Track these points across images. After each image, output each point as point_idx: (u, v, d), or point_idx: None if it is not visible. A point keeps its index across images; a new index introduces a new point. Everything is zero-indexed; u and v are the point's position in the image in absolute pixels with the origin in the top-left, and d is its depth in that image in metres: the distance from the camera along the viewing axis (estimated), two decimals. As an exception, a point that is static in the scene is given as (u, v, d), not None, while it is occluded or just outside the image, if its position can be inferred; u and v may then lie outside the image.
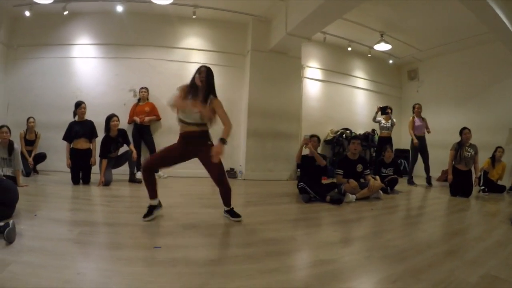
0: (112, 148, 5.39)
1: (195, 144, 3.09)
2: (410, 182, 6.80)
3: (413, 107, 6.99)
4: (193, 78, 3.05)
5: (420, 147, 6.75)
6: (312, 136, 4.97)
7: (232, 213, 3.25)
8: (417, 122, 6.85)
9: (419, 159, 6.87)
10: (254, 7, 6.55)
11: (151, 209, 3.14)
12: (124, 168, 5.61)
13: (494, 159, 6.26)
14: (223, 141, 2.88)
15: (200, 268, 1.98)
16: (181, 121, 3.10)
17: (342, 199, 4.34)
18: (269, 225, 3.08)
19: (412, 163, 6.92)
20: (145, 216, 3.07)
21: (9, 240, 2.17)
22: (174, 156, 3.20)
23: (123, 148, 5.63)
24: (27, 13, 6.34)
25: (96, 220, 3.12)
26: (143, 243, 2.42)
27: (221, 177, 3.14)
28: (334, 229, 3.12)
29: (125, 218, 3.18)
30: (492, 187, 6.02)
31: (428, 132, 6.79)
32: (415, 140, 6.71)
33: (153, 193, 3.17)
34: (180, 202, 4.17)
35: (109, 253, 2.21)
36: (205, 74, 3.02)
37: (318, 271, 2.03)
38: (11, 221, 2.26)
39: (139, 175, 5.99)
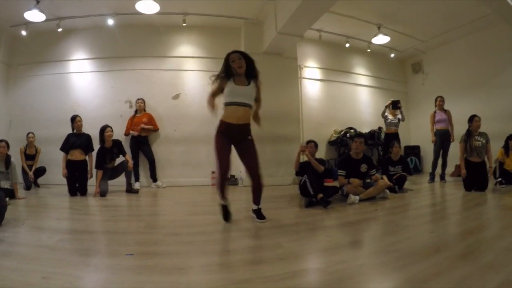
0: (108, 159, 5.41)
1: (240, 134, 3.16)
2: (431, 179, 6.47)
3: (435, 100, 6.65)
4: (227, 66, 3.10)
5: (442, 142, 6.42)
6: (308, 142, 4.77)
7: (258, 213, 3.25)
8: (439, 115, 6.51)
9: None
10: (244, 10, 6.46)
11: (226, 209, 3.16)
12: (123, 179, 5.55)
13: (507, 148, 5.88)
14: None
15: (164, 277, 1.85)
16: (231, 103, 3.07)
17: (329, 202, 4.01)
18: (257, 231, 2.88)
19: (433, 159, 6.55)
20: (226, 218, 3.12)
21: None
22: (228, 151, 3.17)
23: (120, 159, 5.62)
24: (24, 33, 6.61)
25: (79, 228, 3.10)
26: (117, 251, 2.36)
27: (258, 169, 3.18)
28: (328, 234, 2.85)
29: (109, 227, 3.21)
30: (509, 178, 5.62)
31: (452, 139, 6.42)
32: (433, 138, 6.45)
33: (224, 194, 3.17)
34: (170, 210, 4.11)
35: (79, 259, 2.17)
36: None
37: (296, 284, 1.77)
38: None
39: (137, 185, 5.98)
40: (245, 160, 3.22)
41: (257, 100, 3.28)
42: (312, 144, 4.75)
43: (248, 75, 3.17)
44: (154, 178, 6.41)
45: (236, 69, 3.08)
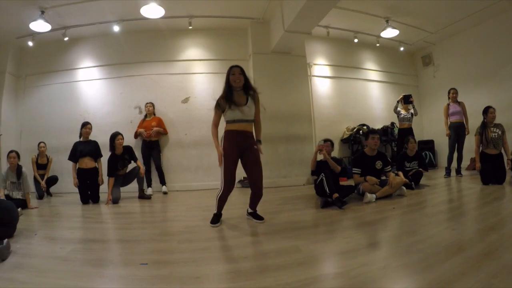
0: (119, 166, 5.39)
1: (245, 141, 3.24)
2: (447, 173, 6.32)
3: (449, 92, 6.49)
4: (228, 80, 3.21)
5: (457, 135, 6.26)
6: (325, 140, 4.68)
7: (255, 215, 3.39)
8: (453, 108, 6.35)
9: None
10: (250, 10, 6.40)
11: (219, 217, 3.33)
12: (135, 185, 5.53)
13: None
14: (260, 142, 3.32)
15: (180, 287, 1.82)
16: (233, 121, 3.19)
17: (345, 202, 3.93)
18: (273, 235, 2.80)
19: (449, 153, 6.37)
20: (214, 222, 3.25)
21: (1, 258, 2.29)
22: (234, 164, 3.23)
23: (132, 165, 5.60)
24: (30, 43, 6.65)
25: (92, 237, 3.09)
26: (131, 260, 2.32)
27: (261, 179, 3.24)
28: (347, 235, 2.77)
29: (122, 235, 3.19)
30: (526, 170, 5.48)
31: (467, 132, 6.26)
32: (447, 131, 6.31)
33: (221, 208, 3.35)
34: (183, 216, 4.04)
35: (92, 270, 2.14)
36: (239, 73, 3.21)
37: (317, 290, 1.71)
38: (5, 240, 2.39)
39: (149, 191, 5.95)
40: (248, 169, 3.26)
41: (256, 115, 3.35)
42: (328, 143, 4.66)
43: (245, 89, 3.28)
44: (162, 182, 6.33)
45: (233, 82, 3.20)
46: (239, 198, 4.92)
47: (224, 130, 3.25)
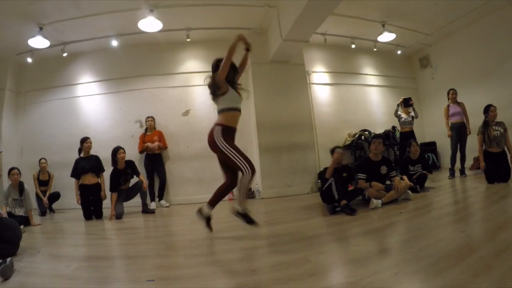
0: (122, 181, 5.35)
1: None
2: (451, 174, 6.25)
3: (448, 93, 6.48)
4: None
5: (458, 135, 6.22)
6: (336, 147, 4.54)
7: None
8: (453, 109, 6.34)
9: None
10: (247, 21, 6.43)
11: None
12: (138, 200, 5.48)
13: None
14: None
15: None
16: (234, 109, 3.19)
17: (355, 209, 3.87)
18: (281, 246, 2.75)
19: (452, 154, 6.34)
20: (253, 222, 3.09)
21: (5, 277, 2.22)
22: None
23: (135, 180, 5.56)
24: (29, 60, 6.67)
25: (97, 254, 3.05)
26: (137, 277, 2.26)
27: None
28: (356, 243, 2.73)
29: (127, 251, 3.17)
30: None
31: (469, 132, 6.23)
32: (449, 132, 6.28)
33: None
34: (188, 230, 3.98)
35: None
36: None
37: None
38: (8, 259, 2.33)
39: (153, 205, 5.92)
40: None
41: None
42: (340, 150, 4.55)
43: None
44: (160, 196, 6.33)
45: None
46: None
47: (221, 123, 3.16)
